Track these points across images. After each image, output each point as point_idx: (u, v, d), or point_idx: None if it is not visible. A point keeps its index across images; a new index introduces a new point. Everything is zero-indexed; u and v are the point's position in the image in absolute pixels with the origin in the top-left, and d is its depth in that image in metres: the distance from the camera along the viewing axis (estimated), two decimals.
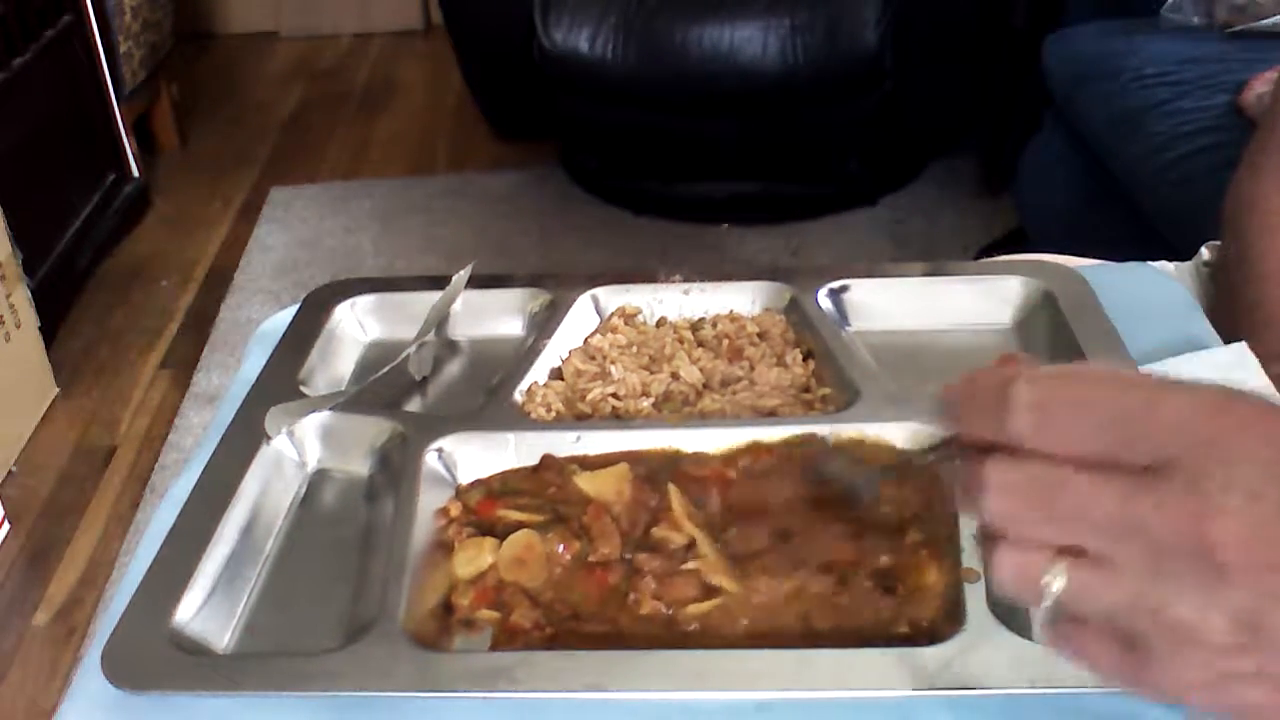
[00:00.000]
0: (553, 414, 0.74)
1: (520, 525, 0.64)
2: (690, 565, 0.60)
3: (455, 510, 0.66)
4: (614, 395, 0.74)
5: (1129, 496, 0.33)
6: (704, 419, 0.72)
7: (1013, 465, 0.35)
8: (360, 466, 0.72)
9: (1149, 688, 0.35)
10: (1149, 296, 0.81)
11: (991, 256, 1.01)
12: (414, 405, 0.78)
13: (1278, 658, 0.33)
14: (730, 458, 0.68)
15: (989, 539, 0.36)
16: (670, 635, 0.58)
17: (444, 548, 0.64)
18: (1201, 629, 0.33)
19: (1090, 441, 0.34)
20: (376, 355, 0.83)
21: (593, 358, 0.78)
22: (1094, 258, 0.89)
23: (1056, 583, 0.34)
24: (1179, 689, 0.34)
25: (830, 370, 0.75)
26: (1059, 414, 0.34)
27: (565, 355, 0.79)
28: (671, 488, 0.65)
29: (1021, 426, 0.34)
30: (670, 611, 0.59)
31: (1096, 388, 0.34)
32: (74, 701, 0.58)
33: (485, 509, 0.66)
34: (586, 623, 0.59)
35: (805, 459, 0.66)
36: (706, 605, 0.59)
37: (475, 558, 0.63)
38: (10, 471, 1.97)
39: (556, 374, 0.78)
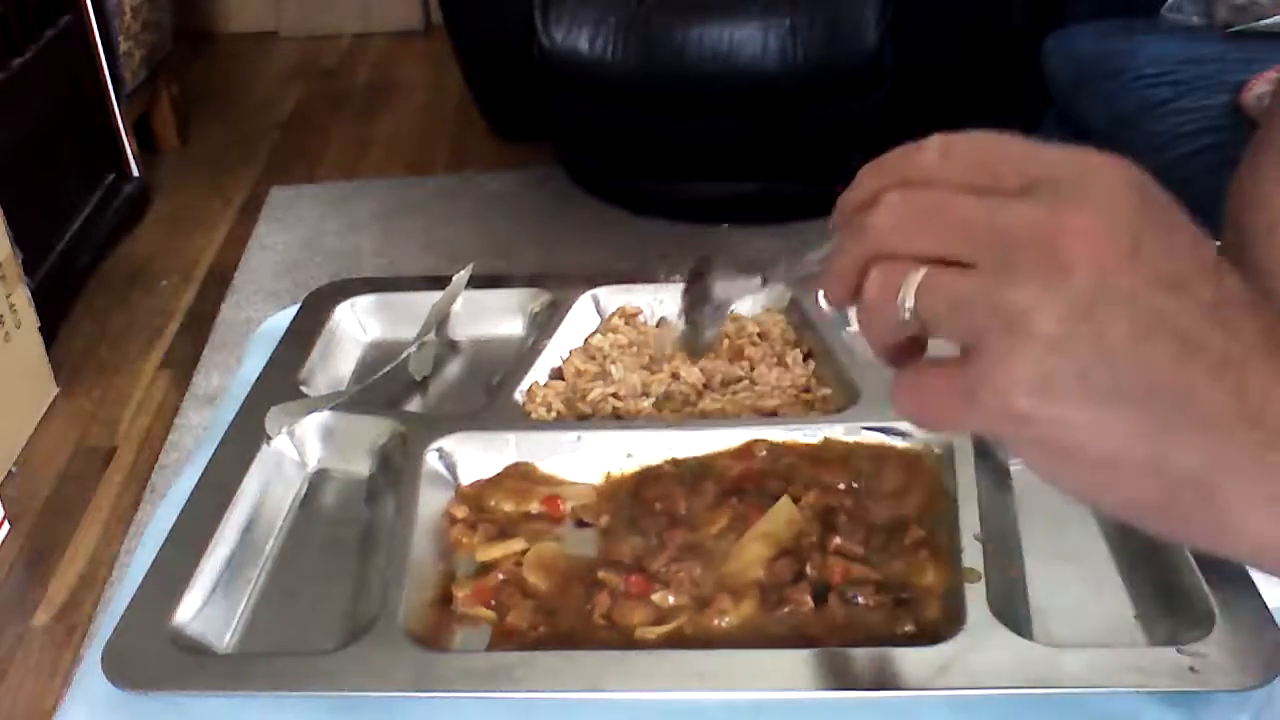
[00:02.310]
0: (553, 414, 0.74)
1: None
2: (656, 595, 0.60)
3: (461, 513, 0.66)
4: (614, 395, 0.74)
5: (998, 207, 0.35)
6: (704, 419, 0.72)
7: (905, 192, 0.38)
8: (360, 466, 0.72)
9: (976, 389, 0.35)
10: None
11: None
12: (414, 405, 0.78)
13: (1101, 367, 0.34)
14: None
15: (865, 271, 0.38)
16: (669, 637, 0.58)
17: (448, 547, 0.64)
18: (1035, 316, 0.33)
19: (978, 176, 0.36)
20: (377, 355, 0.83)
21: (593, 358, 0.78)
22: None
23: (911, 287, 0.36)
24: (1004, 392, 0.34)
25: (830, 370, 0.75)
26: (947, 150, 0.38)
27: (565, 355, 0.79)
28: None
29: (923, 164, 0.38)
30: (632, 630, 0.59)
31: (990, 139, 0.37)
32: (74, 701, 0.58)
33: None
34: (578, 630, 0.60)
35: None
36: (663, 628, 0.59)
37: (493, 549, 0.63)
38: (10, 471, 1.97)
39: (557, 374, 0.78)
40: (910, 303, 0.36)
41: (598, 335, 0.80)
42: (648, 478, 0.68)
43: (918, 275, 0.36)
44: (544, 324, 0.81)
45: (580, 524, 0.66)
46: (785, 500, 0.64)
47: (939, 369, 0.37)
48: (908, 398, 0.38)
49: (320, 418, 0.73)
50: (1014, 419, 0.35)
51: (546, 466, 0.69)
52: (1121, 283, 0.33)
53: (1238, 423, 0.34)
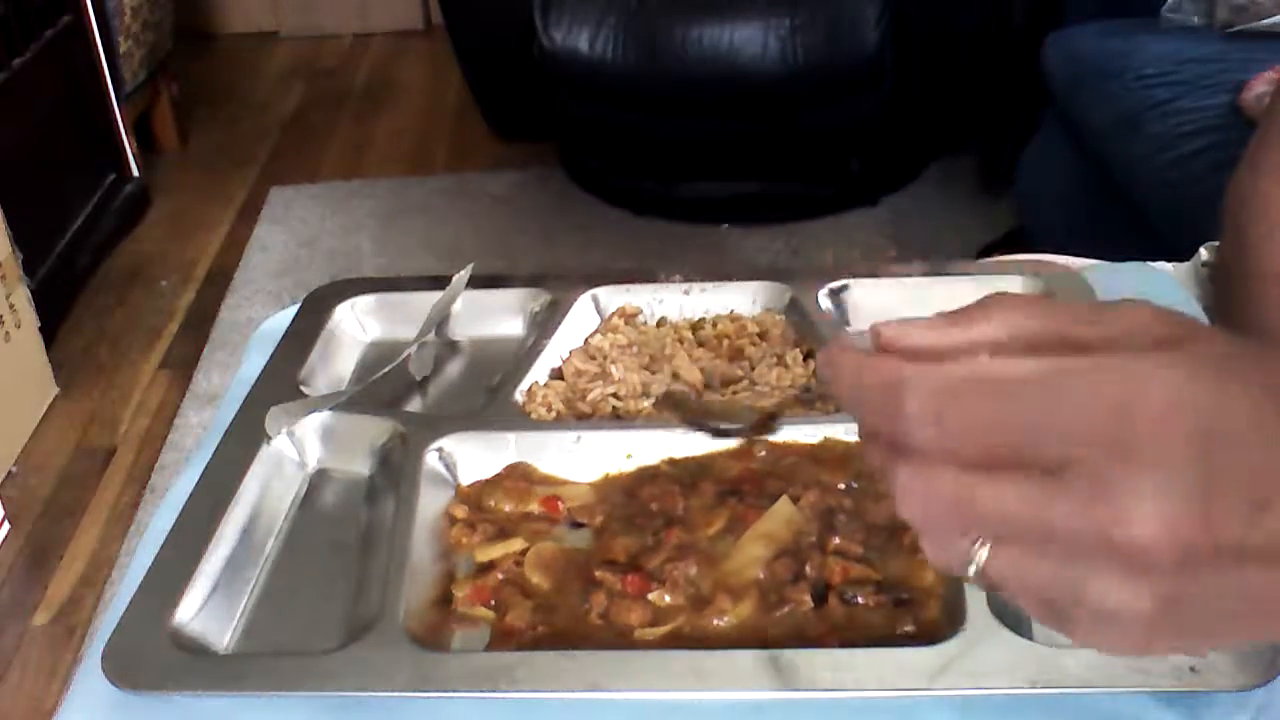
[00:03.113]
0: (553, 414, 0.74)
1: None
2: (652, 594, 0.60)
3: (461, 513, 0.66)
4: (614, 395, 0.74)
5: (1037, 503, 0.33)
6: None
7: (918, 476, 0.35)
8: (361, 466, 0.72)
9: (1081, 641, 0.35)
10: (1149, 296, 0.80)
11: (991, 256, 1.01)
12: (414, 405, 0.78)
13: (1197, 619, 0.33)
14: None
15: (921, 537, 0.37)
16: (668, 637, 0.58)
17: (448, 547, 0.64)
18: (1121, 611, 0.33)
19: (991, 450, 0.33)
20: (377, 355, 0.83)
21: (593, 358, 0.78)
22: (1094, 258, 0.89)
23: (979, 560, 0.35)
24: (1110, 649, 0.35)
25: None
26: (953, 425, 0.34)
27: (565, 355, 0.79)
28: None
29: (919, 439, 0.34)
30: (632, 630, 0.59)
31: (989, 392, 0.34)
32: (74, 701, 0.58)
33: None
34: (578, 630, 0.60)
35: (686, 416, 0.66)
36: (663, 629, 0.59)
37: (493, 549, 0.63)
38: (10, 471, 1.97)
39: (557, 374, 0.78)
40: (974, 571, 0.35)
41: (598, 335, 0.80)
42: (644, 477, 0.68)
43: (980, 554, 0.34)
44: (544, 324, 0.81)
45: (575, 524, 0.66)
46: (784, 500, 0.64)
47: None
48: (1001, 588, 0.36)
49: (320, 418, 0.73)
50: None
51: (546, 466, 0.69)
52: (1197, 555, 0.32)
53: None
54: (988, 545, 0.34)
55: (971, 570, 0.35)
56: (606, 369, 0.76)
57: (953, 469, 0.34)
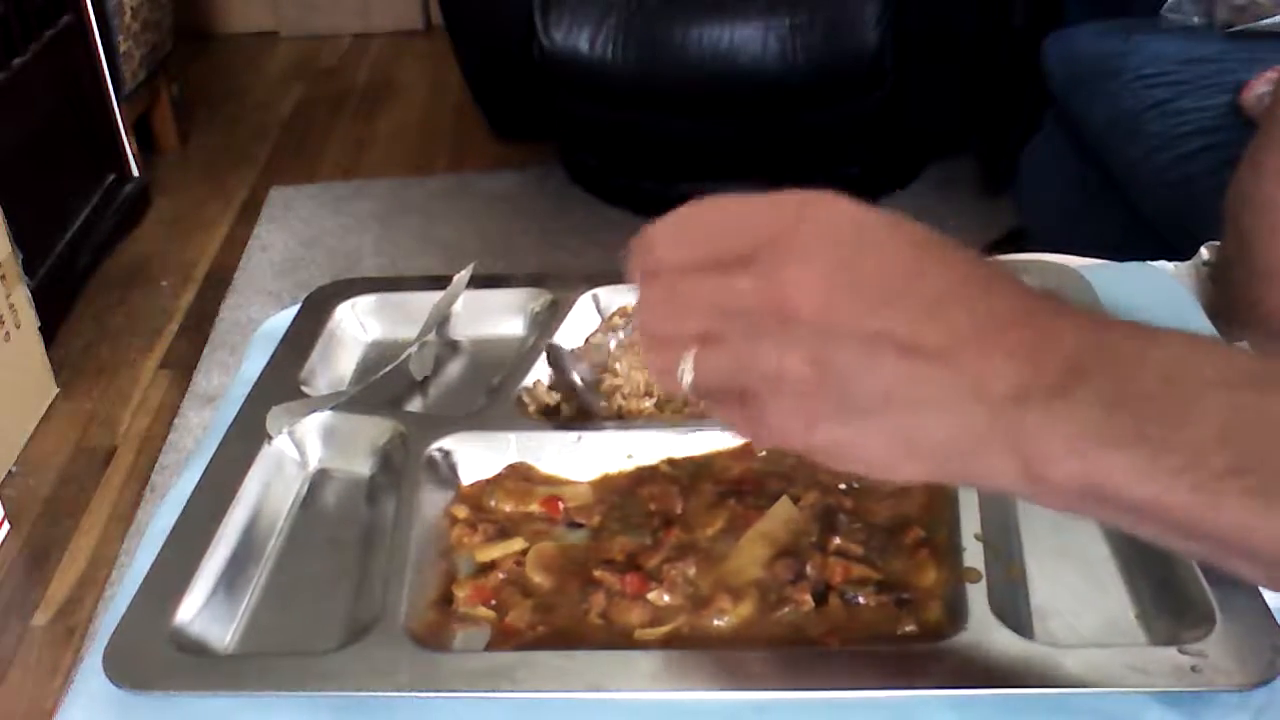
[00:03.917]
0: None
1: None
2: (651, 594, 0.60)
3: (462, 513, 0.66)
4: (619, 392, 0.74)
5: (727, 284, 0.41)
6: (704, 419, 0.72)
7: (649, 286, 0.43)
8: (361, 466, 0.72)
9: (766, 436, 0.42)
10: (1149, 296, 0.81)
11: (991, 256, 1.01)
12: (415, 405, 0.78)
13: (846, 392, 0.40)
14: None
15: (647, 351, 0.45)
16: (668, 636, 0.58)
17: (448, 547, 0.64)
18: (784, 373, 0.40)
19: (700, 251, 0.42)
20: (377, 355, 0.83)
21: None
22: (1094, 258, 0.89)
23: (687, 366, 0.42)
24: (786, 434, 0.41)
25: None
26: (681, 238, 0.43)
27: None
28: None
29: (656, 259, 0.43)
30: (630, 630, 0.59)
31: (709, 212, 0.43)
32: (75, 701, 0.58)
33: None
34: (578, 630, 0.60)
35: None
36: (663, 629, 0.59)
37: (493, 548, 0.63)
38: (10, 471, 1.97)
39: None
40: (688, 381, 0.42)
41: (598, 334, 0.80)
42: (643, 477, 0.68)
43: (688, 359, 0.42)
44: (544, 324, 0.81)
45: (573, 524, 0.66)
46: (785, 500, 0.64)
47: (729, 400, 0.43)
48: (710, 413, 0.44)
49: (321, 418, 0.73)
50: (801, 450, 0.42)
51: (546, 466, 0.69)
52: (840, 317, 0.39)
53: (962, 401, 0.39)
54: (693, 352, 0.42)
55: (685, 379, 0.42)
56: (611, 367, 0.76)
57: (673, 270, 0.43)
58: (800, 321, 0.39)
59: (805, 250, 0.40)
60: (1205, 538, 0.39)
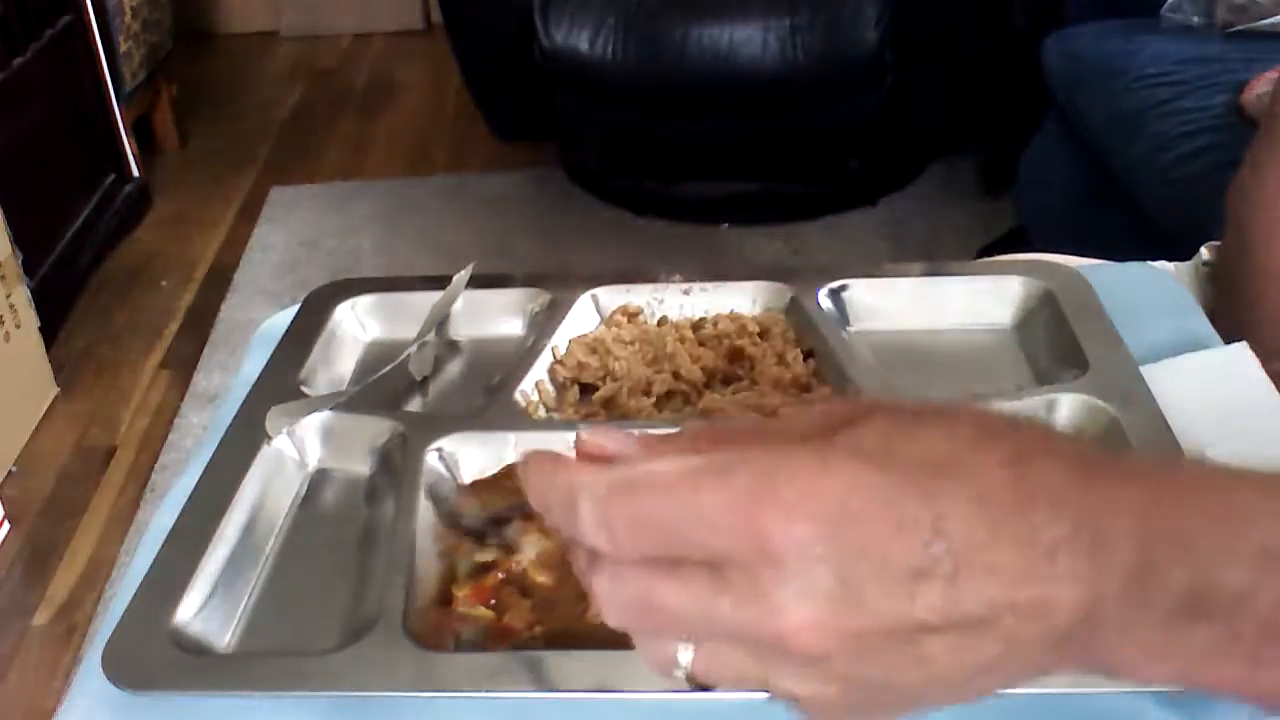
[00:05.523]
0: (553, 414, 0.74)
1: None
2: None
3: (462, 513, 0.66)
4: (615, 383, 0.74)
5: (705, 601, 0.34)
6: (705, 418, 0.72)
7: (608, 579, 0.36)
8: (361, 466, 0.72)
9: None
10: (1149, 296, 0.81)
11: (991, 256, 1.01)
12: (414, 405, 0.78)
13: (891, 690, 0.34)
14: None
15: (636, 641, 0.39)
16: None
17: (448, 548, 0.64)
18: (816, 699, 0.35)
19: (658, 550, 0.35)
20: (377, 355, 0.83)
21: (594, 351, 0.78)
22: (1094, 258, 0.89)
23: (685, 660, 0.36)
24: None
25: (831, 370, 0.75)
26: (621, 532, 0.35)
27: (563, 347, 0.79)
28: None
29: (597, 544, 0.36)
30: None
31: (640, 493, 0.35)
32: (74, 701, 0.58)
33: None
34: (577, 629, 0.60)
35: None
36: None
37: (492, 549, 0.63)
38: (10, 471, 1.97)
39: (555, 365, 0.78)
40: (684, 670, 0.37)
41: (600, 329, 0.81)
42: None
43: (686, 654, 0.36)
44: (544, 324, 0.81)
45: None
46: None
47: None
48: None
49: (320, 418, 0.73)
50: None
51: None
52: (855, 636, 0.33)
53: (1022, 650, 0.34)
54: (691, 646, 0.36)
55: (680, 674, 0.36)
56: (609, 365, 0.76)
57: (636, 569, 0.35)
58: (809, 654, 0.33)
59: (783, 569, 0.33)
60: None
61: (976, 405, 0.39)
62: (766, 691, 0.36)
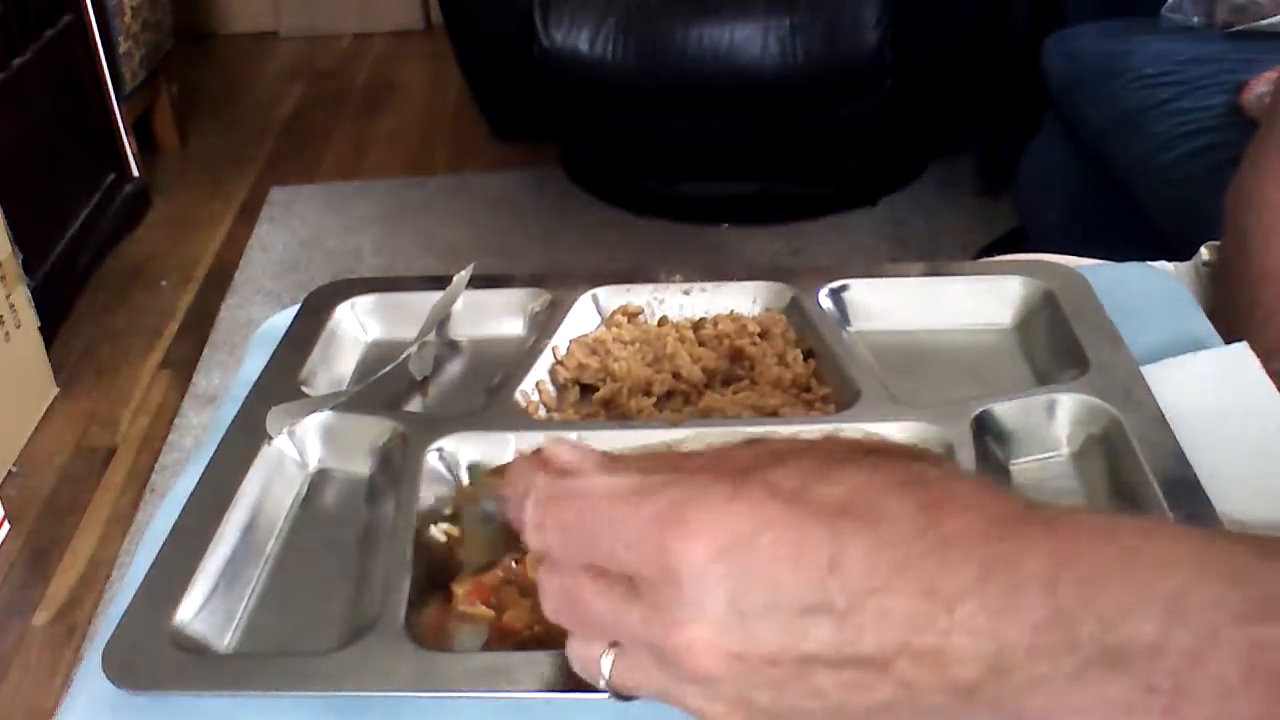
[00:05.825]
0: (553, 413, 0.74)
1: None
2: None
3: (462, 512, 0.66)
4: (615, 382, 0.74)
5: (620, 609, 0.37)
6: (704, 418, 0.72)
7: (547, 573, 0.40)
8: (361, 466, 0.72)
9: None
10: (1149, 296, 0.81)
11: (991, 256, 1.01)
12: (415, 405, 0.78)
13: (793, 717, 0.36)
14: None
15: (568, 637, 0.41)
16: None
17: (448, 548, 0.64)
18: (711, 715, 0.36)
19: (584, 556, 0.38)
20: (377, 355, 0.83)
21: (595, 351, 0.78)
22: (1094, 258, 0.89)
23: (605, 666, 0.39)
24: None
25: (831, 370, 0.75)
26: (553, 537, 0.39)
27: (563, 347, 0.79)
28: None
29: (535, 544, 0.40)
30: None
31: (572, 504, 0.38)
32: (74, 701, 0.58)
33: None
34: None
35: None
36: None
37: (492, 549, 0.63)
38: (10, 471, 1.97)
39: (555, 365, 0.78)
40: (605, 680, 0.39)
41: (600, 329, 0.81)
42: None
43: (607, 661, 0.39)
44: (544, 324, 0.81)
45: None
46: None
47: None
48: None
49: (320, 418, 0.73)
50: None
51: None
52: (746, 662, 0.35)
53: (925, 698, 0.34)
54: (610, 656, 0.38)
55: (601, 682, 0.39)
56: (609, 365, 0.76)
57: (568, 570, 0.39)
58: (702, 671, 0.35)
59: (681, 588, 0.35)
60: None
61: (915, 450, 0.41)
62: (676, 705, 0.38)
